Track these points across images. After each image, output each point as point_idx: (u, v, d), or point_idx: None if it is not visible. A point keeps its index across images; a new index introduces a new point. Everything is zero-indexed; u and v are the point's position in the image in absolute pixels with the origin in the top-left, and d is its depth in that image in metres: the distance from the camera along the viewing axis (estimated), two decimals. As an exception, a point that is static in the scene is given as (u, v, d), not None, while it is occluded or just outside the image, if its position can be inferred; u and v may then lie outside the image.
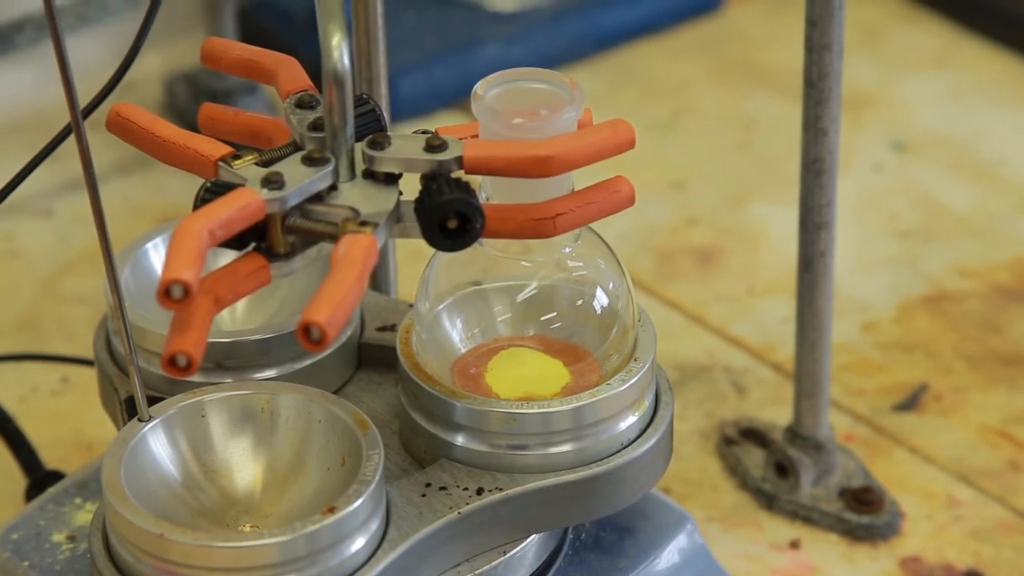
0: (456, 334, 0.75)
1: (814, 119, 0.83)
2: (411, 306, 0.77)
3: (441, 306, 0.75)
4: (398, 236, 0.70)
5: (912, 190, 1.11)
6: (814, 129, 0.83)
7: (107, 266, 0.70)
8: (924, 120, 1.16)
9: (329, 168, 0.69)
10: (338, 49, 0.68)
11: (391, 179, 0.70)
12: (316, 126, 0.70)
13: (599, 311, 0.75)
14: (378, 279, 0.90)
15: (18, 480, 0.90)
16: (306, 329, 0.64)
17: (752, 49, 1.22)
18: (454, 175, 0.69)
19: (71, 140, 0.69)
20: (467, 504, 0.71)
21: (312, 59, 0.70)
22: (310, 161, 0.69)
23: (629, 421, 0.74)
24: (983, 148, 1.14)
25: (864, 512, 0.89)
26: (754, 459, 0.92)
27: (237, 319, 0.80)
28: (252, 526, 0.71)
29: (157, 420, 0.71)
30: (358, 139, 0.70)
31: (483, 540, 0.72)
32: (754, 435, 0.93)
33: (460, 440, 0.73)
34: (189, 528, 0.68)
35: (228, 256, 0.69)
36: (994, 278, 1.04)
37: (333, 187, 0.69)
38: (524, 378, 0.75)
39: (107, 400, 0.79)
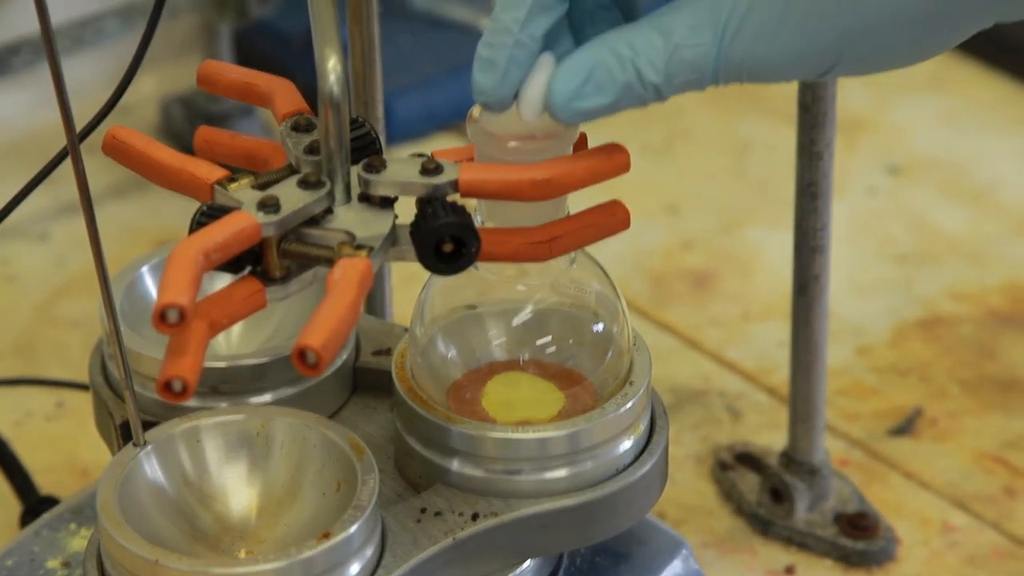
0: (451, 358, 0.75)
1: (808, 143, 0.83)
2: (406, 330, 0.77)
3: (436, 330, 0.75)
4: (394, 260, 0.70)
5: (906, 213, 1.11)
6: (808, 153, 0.83)
7: (102, 290, 0.70)
8: (918, 143, 1.16)
9: (325, 191, 0.69)
10: (334, 72, 0.68)
11: (387, 203, 0.70)
12: (312, 149, 0.70)
13: (594, 335, 0.75)
14: (373, 302, 0.90)
15: (12, 506, 0.89)
16: (301, 354, 0.63)
17: (747, 73, 1.22)
18: (449, 199, 0.69)
19: (67, 163, 0.69)
20: (462, 530, 0.71)
21: (308, 82, 0.70)
22: (306, 184, 0.69)
23: (624, 446, 0.74)
24: (977, 172, 1.14)
25: (859, 538, 0.89)
26: (749, 484, 0.91)
27: (233, 343, 0.80)
28: (248, 552, 0.71)
29: (152, 445, 0.71)
30: (354, 162, 0.70)
31: (478, 566, 0.72)
32: (749, 460, 0.93)
33: (455, 465, 0.73)
34: (184, 554, 0.68)
35: (224, 280, 0.69)
36: (988, 302, 1.04)
37: (329, 210, 0.69)
38: (520, 402, 0.74)
39: (102, 425, 0.79)
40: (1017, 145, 1.16)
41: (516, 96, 0.68)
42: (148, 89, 1.17)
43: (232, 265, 0.67)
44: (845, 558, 0.89)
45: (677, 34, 0.66)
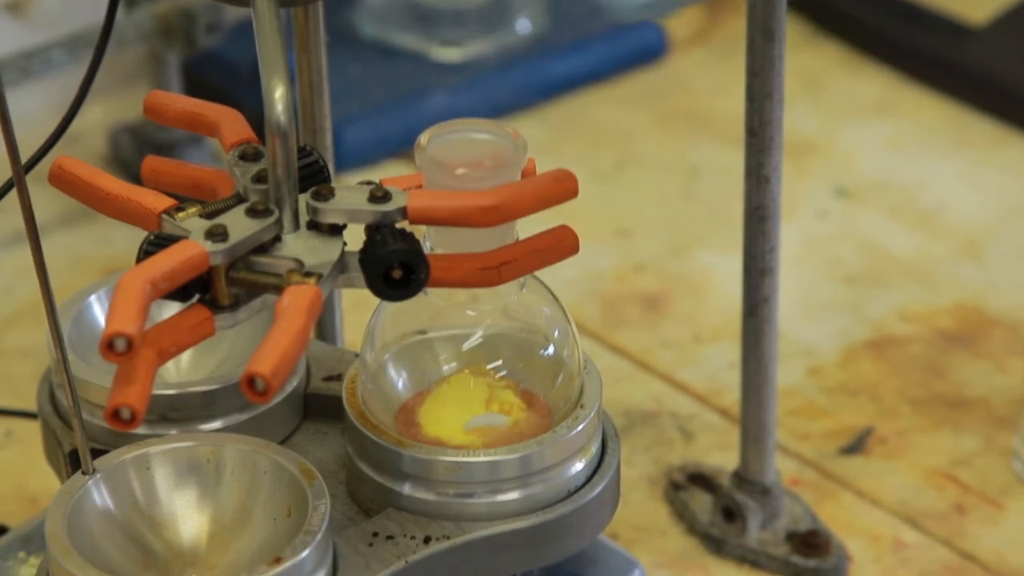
0: (402, 383, 0.76)
1: (756, 167, 0.84)
2: (357, 356, 0.77)
3: (387, 356, 0.75)
4: (343, 287, 0.70)
5: (855, 236, 1.12)
6: (756, 176, 0.84)
7: (49, 319, 0.69)
8: (866, 167, 1.17)
9: (273, 220, 0.69)
10: (281, 101, 0.68)
11: (335, 230, 0.70)
12: (260, 178, 0.70)
13: (544, 359, 0.76)
14: (324, 329, 0.90)
15: (-38, 536, 0.89)
16: (250, 381, 0.64)
17: (696, 98, 1.23)
18: (398, 225, 0.70)
19: (14, 193, 0.69)
20: (414, 553, 0.71)
21: (257, 111, 0.70)
22: (254, 213, 0.69)
23: (576, 468, 0.74)
24: (924, 194, 1.15)
25: (811, 556, 0.89)
26: (702, 504, 0.92)
27: (182, 371, 0.79)
28: (198, 579, 0.71)
29: (101, 473, 0.71)
30: (302, 190, 0.70)
31: (430, 589, 0.72)
32: (701, 480, 0.93)
33: (407, 489, 0.73)
34: (134, 581, 0.68)
35: (172, 308, 0.69)
36: (937, 323, 1.05)
37: (277, 238, 0.69)
38: (473, 400, 0.74)
39: (51, 453, 0.78)
40: (964, 167, 1.17)
41: None
42: (96, 118, 1.17)
43: (180, 293, 0.68)
44: (797, 577, 0.89)
45: None
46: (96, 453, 0.72)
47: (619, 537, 0.91)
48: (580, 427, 0.74)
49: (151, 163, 0.75)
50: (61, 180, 0.72)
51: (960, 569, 0.90)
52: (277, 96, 0.68)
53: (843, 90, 1.24)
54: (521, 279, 0.74)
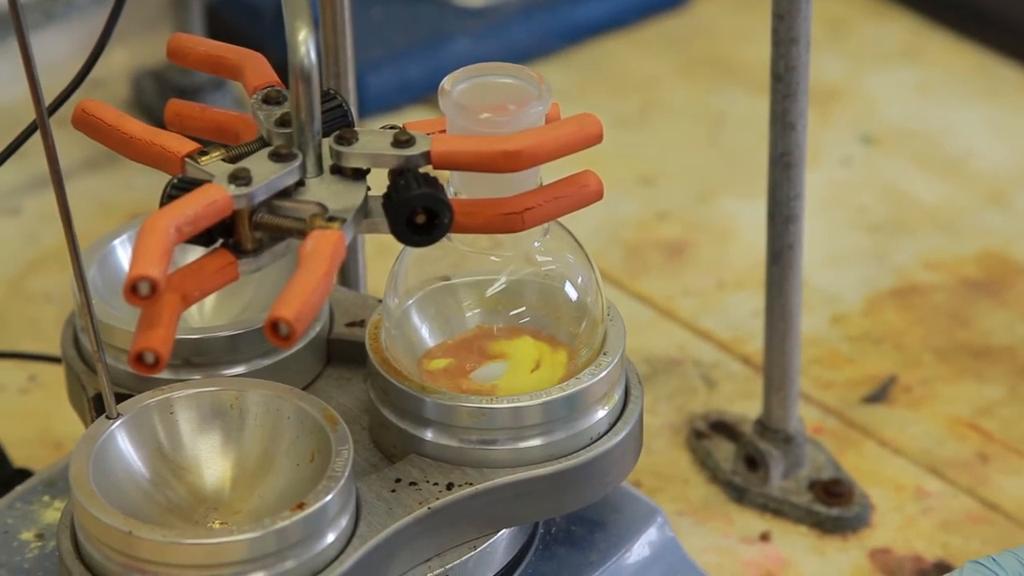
0: (425, 329, 0.75)
1: (781, 113, 0.83)
2: (380, 301, 0.77)
3: (410, 301, 0.75)
4: (366, 232, 0.70)
5: (880, 183, 1.11)
6: (782, 123, 0.83)
7: (74, 263, 0.69)
8: (892, 113, 1.16)
9: (296, 164, 0.69)
10: (304, 44, 0.68)
11: (359, 175, 0.70)
12: (283, 122, 0.70)
13: (568, 305, 0.75)
14: (347, 274, 0.90)
15: (-14, 479, 0.89)
16: (274, 325, 0.64)
17: (720, 44, 1.23)
18: (422, 170, 0.69)
19: (38, 137, 0.69)
20: (437, 499, 0.71)
21: (280, 55, 0.70)
22: (277, 157, 0.69)
23: (599, 415, 0.74)
24: (950, 141, 1.14)
25: (834, 504, 0.89)
26: (724, 452, 0.92)
27: (206, 315, 0.80)
28: (221, 523, 0.71)
29: (125, 417, 0.71)
30: (325, 135, 0.70)
31: (453, 535, 0.72)
32: (724, 428, 0.93)
33: (429, 435, 0.73)
34: (158, 525, 0.68)
35: (196, 252, 0.69)
36: (962, 271, 1.05)
37: (300, 183, 0.69)
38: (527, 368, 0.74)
39: (75, 398, 0.79)
40: (990, 115, 1.16)
41: None
42: (120, 63, 1.17)
43: (204, 238, 0.67)
44: (820, 524, 0.89)
45: None
46: (120, 397, 0.72)
47: (642, 485, 0.91)
48: (603, 374, 0.74)
49: (174, 107, 0.74)
50: (85, 123, 0.72)
51: (983, 518, 0.90)
52: (301, 39, 0.68)
53: (868, 35, 1.23)
54: (545, 225, 0.74)
